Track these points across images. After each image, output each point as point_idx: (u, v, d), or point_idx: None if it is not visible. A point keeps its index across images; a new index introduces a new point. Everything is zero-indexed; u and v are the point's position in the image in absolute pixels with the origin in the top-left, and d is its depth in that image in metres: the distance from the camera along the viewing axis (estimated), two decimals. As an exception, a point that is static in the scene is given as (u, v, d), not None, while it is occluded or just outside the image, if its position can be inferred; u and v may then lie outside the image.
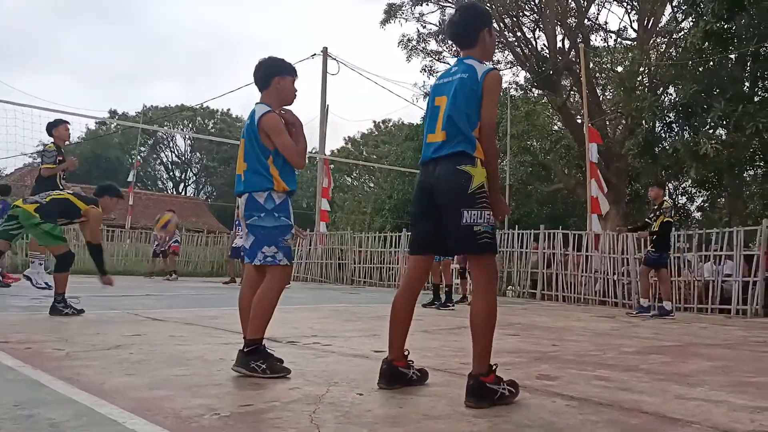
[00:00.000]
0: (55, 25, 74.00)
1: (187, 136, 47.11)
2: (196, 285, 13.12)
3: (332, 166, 20.08)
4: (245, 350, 2.98)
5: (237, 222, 14.25)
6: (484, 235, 2.60)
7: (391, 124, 44.84)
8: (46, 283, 7.54)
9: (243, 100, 73.10)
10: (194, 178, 51.75)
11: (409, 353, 2.90)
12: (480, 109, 2.65)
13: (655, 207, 8.75)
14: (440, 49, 22.98)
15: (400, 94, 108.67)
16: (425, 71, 23.13)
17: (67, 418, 2.14)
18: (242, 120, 47.37)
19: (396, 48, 31.19)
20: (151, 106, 45.58)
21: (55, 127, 7.80)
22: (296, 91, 3.30)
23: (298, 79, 3.32)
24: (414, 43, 22.67)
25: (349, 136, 46.54)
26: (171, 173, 51.38)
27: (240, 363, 2.97)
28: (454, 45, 2.96)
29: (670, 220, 8.66)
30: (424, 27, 22.69)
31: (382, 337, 4.81)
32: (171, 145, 49.87)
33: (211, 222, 34.59)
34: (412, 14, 22.10)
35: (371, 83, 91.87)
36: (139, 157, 24.66)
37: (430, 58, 23.06)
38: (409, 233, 2.92)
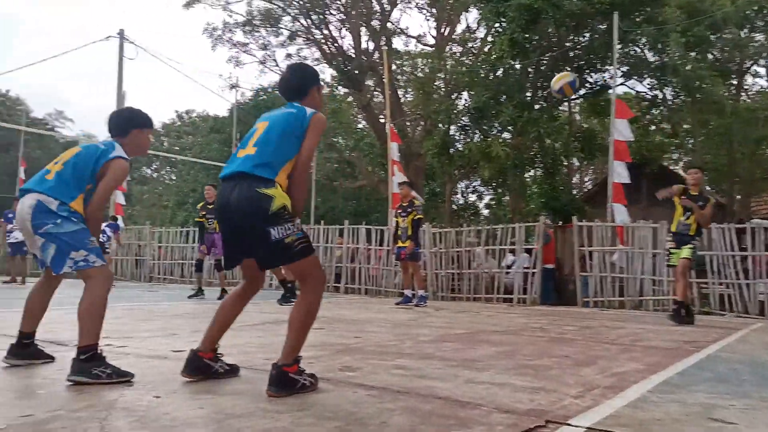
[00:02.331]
0: None
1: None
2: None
3: (131, 157, 18.67)
4: (81, 357, 2.76)
5: (10, 215, 12.68)
6: (299, 241, 2.67)
7: (194, 114, 42.90)
8: None
9: (28, 83, 64.56)
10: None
11: (218, 348, 2.93)
12: (297, 144, 2.75)
13: (405, 205, 9.30)
14: (247, 41, 22.53)
15: (205, 84, 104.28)
16: (231, 62, 22.53)
17: None
18: (23, 102, 42.03)
19: (201, 36, 29.97)
20: None
21: None
22: None
23: None
24: (219, 32, 21.95)
25: (149, 126, 43.65)
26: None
27: (79, 371, 2.73)
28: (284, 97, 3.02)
29: (421, 216, 9.35)
30: (231, 16, 22.08)
31: (181, 336, 4.62)
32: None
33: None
34: (218, 1, 21.35)
35: (174, 71, 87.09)
36: None
37: (237, 49, 22.50)
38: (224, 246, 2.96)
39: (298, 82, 2.98)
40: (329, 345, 4.28)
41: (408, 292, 9.24)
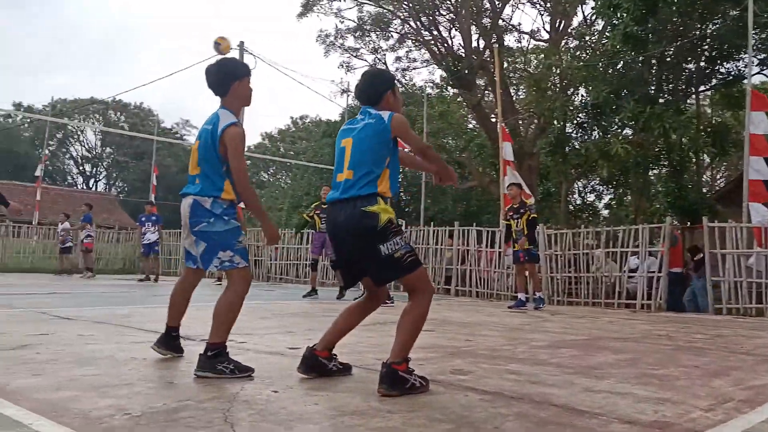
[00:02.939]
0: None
1: (97, 131, 44.93)
2: (108, 282, 12.64)
3: (248, 162, 19.69)
4: (209, 354, 2.95)
5: (143, 218, 13.78)
6: (407, 255, 2.75)
7: (308, 120, 44.51)
8: None
9: (157, 95, 70.09)
10: (105, 173, 49.44)
11: (332, 348, 3.02)
12: (387, 149, 2.85)
13: (516, 206, 8.94)
14: (358, 46, 23.01)
15: (318, 90, 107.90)
16: (343, 67, 23.10)
17: (-34, 421, 2.03)
18: (155, 114, 45.65)
19: (314, 43, 30.98)
20: (60, 98, 43.10)
21: None
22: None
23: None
24: (332, 38, 22.59)
25: (265, 132, 45.80)
26: (81, 168, 48.87)
27: (204, 367, 2.93)
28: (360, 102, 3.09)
29: (536, 216, 9.00)
30: (342, 22, 22.65)
31: (297, 333, 4.78)
32: (81, 139, 47.39)
33: (122, 218, 33.28)
34: (330, 9, 21.98)
35: (288, 78, 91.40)
36: (47, 151, 23.21)
37: (348, 54, 23.05)
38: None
39: (370, 89, 3.02)
40: (440, 347, 4.26)
41: (522, 296, 9.00)
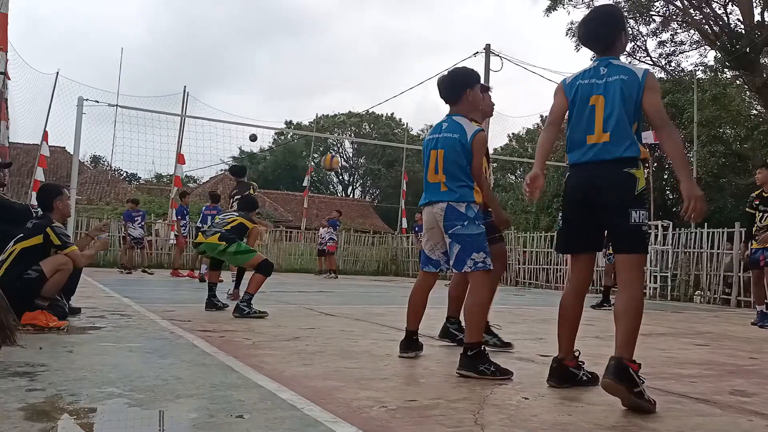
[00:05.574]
0: (244, 45, 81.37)
1: (353, 142, 49.37)
2: (364, 283, 13.70)
3: (495, 164, 19.69)
4: (469, 354, 3.05)
5: (416, 227, 14.76)
6: (648, 234, 2.63)
7: (562, 117, 43.00)
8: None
9: (411, 105, 74.67)
10: (360, 181, 53.88)
11: (579, 353, 2.87)
12: (638, 108, 2.63)
13: (765, 194, 6.89)
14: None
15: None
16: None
17: (254, 401, 2.36)
18: (403, 123, 48.41)
19: (563, 38, 29.94)
20: (323, 114, 48.32)
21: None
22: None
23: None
24: (584, 31, 21.46)
25: (513, 133, 45.41)
26: (340, 177, 54.02)
27: (467, 367, 3.03)
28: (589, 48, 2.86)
29: None
30: (595, 12, 21.38)
31: (548, 341, 4.61)
32: (340, 150, 52.43)
33: (376, 223, 35.83)
34: (581, 1, 20.90)
35: (536, 77, 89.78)
36: (312, 163, 26.15)
37: (603, 45, 21.69)
38: (563, 232, 2.90)
39: (607, 31, 2.78)
40: (716, 364, 3.77)
41: (762, 308, 6.94)
